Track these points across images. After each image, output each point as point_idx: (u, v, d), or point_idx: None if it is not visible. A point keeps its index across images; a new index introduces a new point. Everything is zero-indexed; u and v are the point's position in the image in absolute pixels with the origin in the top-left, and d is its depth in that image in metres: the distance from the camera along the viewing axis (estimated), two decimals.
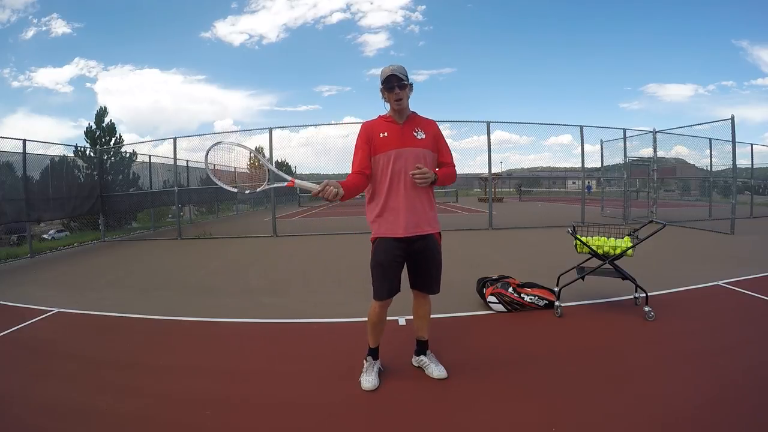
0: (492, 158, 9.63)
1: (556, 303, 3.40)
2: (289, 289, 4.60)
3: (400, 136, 2.16)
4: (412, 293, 2.37)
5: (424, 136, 2.20)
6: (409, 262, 2.25)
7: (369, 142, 2.19)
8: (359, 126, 2.32)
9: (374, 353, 2.37)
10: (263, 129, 9.94)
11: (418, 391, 2.22)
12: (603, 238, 3.47)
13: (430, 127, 2.26)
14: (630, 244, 3.31)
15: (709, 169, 11.72)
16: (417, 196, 2.16)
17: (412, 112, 2.27)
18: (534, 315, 3.39)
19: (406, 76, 2.14)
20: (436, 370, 2.35)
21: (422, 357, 2.44)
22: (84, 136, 13.86)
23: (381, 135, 2.18)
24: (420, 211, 2.17)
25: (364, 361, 2.38)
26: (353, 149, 2.24)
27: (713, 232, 8.20)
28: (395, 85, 2.10)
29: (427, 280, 2.28)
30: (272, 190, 9.65)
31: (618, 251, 3.31)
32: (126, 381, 2.46)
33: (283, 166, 31.37)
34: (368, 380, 2.26)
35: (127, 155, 11.92)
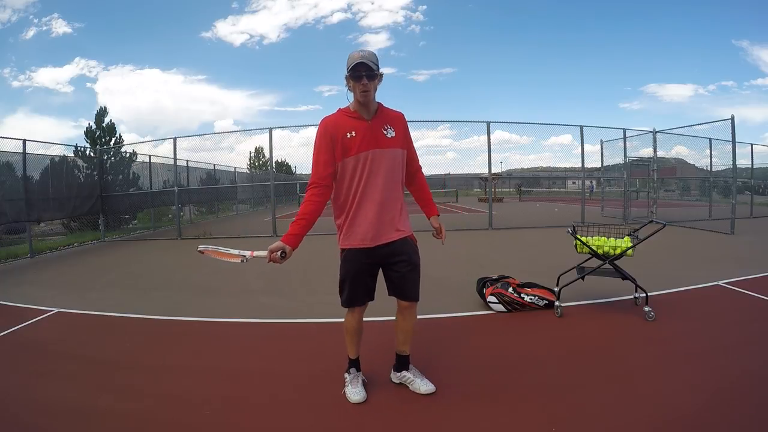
0: (492, 158, 9.65)
1: (556, 303, 3.40)
2: (288, 289, 4.60)
3: (370, 136, 1.94)
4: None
5: (394, 134, 1.99)
6: (382, 268, 2.07)
7: (334, 143, 1.93)
8: None
9: (356, 365, 2.23)
10: (263, 129, 9.98)
11: (414, 392, 2.21)
12: (603, 238, 3.47)
13: (400, 122, 2.04)
14: (630, 244, 3.31)
15: (709, 169, 11.73)
16: (390, 203, 1.99)
17: (378, 103, 2.02)
18: (534, 315, 3.39)
19: (377, 65, 1.90)
20: (423, 385, 2.16)
21: (404, 372, 2.24)
22: (84, 136, 13.86)
23: (348, 135, 1.93)
24: (392, 217, 2.00)
25: (346, 375, 2.22)
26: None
27: (713, 232, 8.20)
28: (363, 74, 1.86)
29: (403, 286, 2.05)
30: (272, 188, 9.74)
31: (618, 251, 3.31)
32: (126, 381, 2.46)
33: (283, 166, 31.53)
34: (355, 392, 2.11)
35: (127, 155, 11.92)
